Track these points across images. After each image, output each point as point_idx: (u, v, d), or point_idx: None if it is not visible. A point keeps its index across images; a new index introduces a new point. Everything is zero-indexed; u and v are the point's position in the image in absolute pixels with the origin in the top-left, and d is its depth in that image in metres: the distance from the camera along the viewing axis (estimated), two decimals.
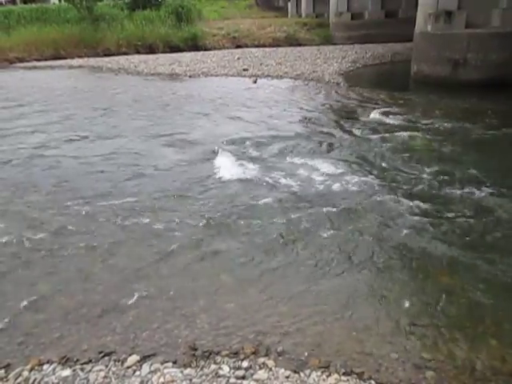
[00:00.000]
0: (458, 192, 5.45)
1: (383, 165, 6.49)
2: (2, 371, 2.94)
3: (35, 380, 2.85)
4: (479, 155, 6.76)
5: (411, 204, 5.18)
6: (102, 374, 2.89)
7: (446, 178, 5.90)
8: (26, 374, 2.91)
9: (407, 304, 3.53)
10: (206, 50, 22.26)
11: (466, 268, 3.98)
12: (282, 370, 2.88)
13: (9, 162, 7.00)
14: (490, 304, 3.52)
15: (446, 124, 8.59)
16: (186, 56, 19.93)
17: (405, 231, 4.61)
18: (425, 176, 5.97)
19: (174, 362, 2.99)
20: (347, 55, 18.87)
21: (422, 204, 5.17)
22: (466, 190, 5.51)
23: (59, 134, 8.52)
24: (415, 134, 7.96)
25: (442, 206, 5.12)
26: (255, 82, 14.08)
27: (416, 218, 4.87)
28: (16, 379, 2.87)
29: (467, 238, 4.45)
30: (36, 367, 2.96)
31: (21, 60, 20.00)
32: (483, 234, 4.54)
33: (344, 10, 23.93)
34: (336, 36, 24.00)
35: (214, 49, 22.50)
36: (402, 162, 6.56)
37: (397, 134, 7.96)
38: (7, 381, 2.86)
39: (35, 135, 8.44)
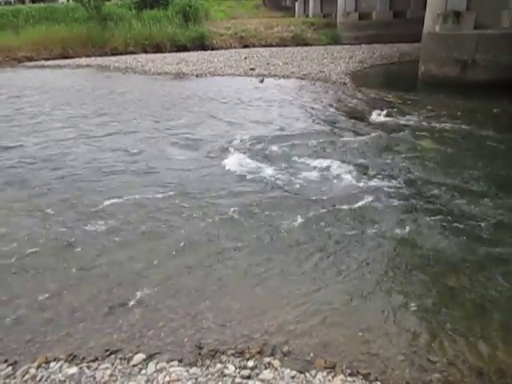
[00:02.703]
0: (468, 194, 5.42)
1: (389, 166, 6.46)
2: (10, 368, 2.97)
3: (42, 377, 2.88)
4: (489, 157, 6.71)
5: (418, 205, 5.16)
6: (108, 372, 2.91)
7: (453, 179, 5.87)
8: (33, 371, 2.93)
9: (414, 305, 3.51)
10: (213, 49, 22.33)
11: (473, 269, 3.95)
12: (288, 370, 2.89)
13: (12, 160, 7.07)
14: (498, 306, 3.50)
15: (454, 125, 8.53)
16: (193, 55, 19.98)
17: (411, 232, 4.59)
18: (432, 177, 5.93)
19: (180, 361, 3.00)
20: (354, 55, 18.82)
21: (428, 205, 5.15)
22: (475, 191, 5.47)
23: (70, 133, 8.58)
24: (423, 134, 7.92)
25: (448, 207, 5.09)
26: (262, 81, 14.07)
27: (423, 219, 4.86)
28: (23, 376, 2.90)
29: (475, 240, 4.42)
30: (43, 365, 2.99)
31: (29, 59, 20.17)
32: (491, 235, 4.50)
33: (352, 10, 23.91)
34: (343, 36, 23.96)
35: (221, 48, 22.55)
36: (410, 163, 6.52)
37: (404, 134, 7.93)
38: (14, 378, 2.89)
39: (38, 135, 8.50)
